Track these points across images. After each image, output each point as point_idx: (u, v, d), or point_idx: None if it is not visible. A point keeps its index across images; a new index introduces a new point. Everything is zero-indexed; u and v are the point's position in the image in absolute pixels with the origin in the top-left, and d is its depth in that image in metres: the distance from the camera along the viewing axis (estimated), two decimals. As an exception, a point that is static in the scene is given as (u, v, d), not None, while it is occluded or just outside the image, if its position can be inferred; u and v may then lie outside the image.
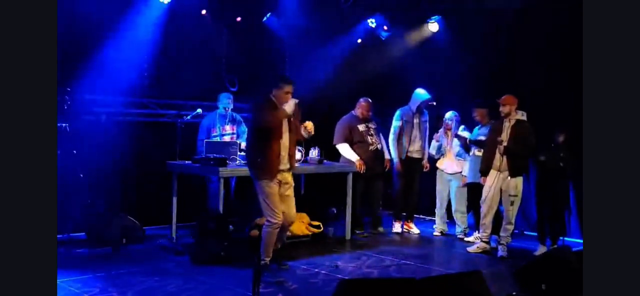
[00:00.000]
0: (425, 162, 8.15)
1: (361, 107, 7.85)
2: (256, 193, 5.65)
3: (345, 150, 7.73)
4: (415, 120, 8.01)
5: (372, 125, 7.90)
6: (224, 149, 6.77)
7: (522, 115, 6.75)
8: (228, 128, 7.58)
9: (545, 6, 7.83)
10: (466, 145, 7.64)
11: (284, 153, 5.62)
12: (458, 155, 7.83)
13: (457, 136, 7.71)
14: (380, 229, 8.11)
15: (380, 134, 8.03)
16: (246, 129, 7.70)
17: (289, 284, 5.47)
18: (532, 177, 7.56)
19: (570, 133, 6.88)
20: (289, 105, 5.53)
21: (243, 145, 7.39)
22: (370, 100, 7.89)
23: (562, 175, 6.90)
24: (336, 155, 7.87)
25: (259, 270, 4.19)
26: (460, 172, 7.84)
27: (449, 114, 7.94)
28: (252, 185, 5.72)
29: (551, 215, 7.06)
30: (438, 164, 8.07)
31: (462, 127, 7.86)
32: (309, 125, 5.81)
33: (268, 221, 5.56)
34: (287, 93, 5.58)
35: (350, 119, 7.89)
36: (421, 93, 7.96)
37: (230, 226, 7.43)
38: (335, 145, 7.80)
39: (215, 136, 7.45)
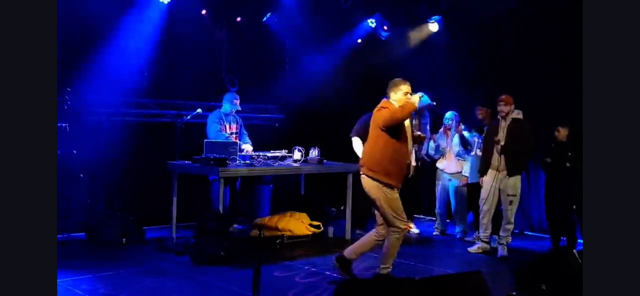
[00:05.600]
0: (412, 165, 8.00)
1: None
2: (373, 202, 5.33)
3: (356, 144, 7.72)
4: (414, 122, 7.98)
5: None
6: (224, 149, 6.77)
7: (518, 114, 6.75)
8: (234, 127, 7.57)
9: (545, 5, 7.83)
10: (465, 143, 7.62)
11: (408, 157, 5.46)
12: (458, 155, 7.82)
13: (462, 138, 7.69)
14: None
15: None
16: (246, 133, 7.71)
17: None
18: (540, 178, 7.52)
19: (575, 133, 6.85)
20: (415, 97, 5.30)
21: (244, 146, 7.41)
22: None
23: (570, 175, 6.81)
24: (335, 155, 7.86)
25: (259, 270, 4.13)
26: (460, 172, 7.83)
27: (448, 114, 7.93)
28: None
29: (563, 216, 6.99)
30: (438, 164, 8.07)
31: (462, 127, 7.85)
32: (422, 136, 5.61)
33: (397, 228, 5.31)
34: (406, 94, 5.39)
35: (368, 118, 7.86)
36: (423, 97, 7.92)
37: (237, 225, 7.46)
38: (350, 137, 7.79)
39: (225, 133, 7.41)
